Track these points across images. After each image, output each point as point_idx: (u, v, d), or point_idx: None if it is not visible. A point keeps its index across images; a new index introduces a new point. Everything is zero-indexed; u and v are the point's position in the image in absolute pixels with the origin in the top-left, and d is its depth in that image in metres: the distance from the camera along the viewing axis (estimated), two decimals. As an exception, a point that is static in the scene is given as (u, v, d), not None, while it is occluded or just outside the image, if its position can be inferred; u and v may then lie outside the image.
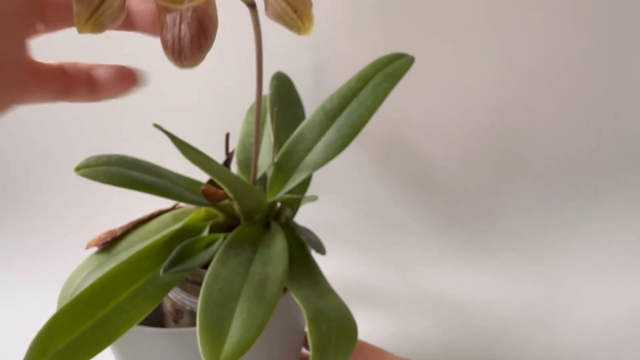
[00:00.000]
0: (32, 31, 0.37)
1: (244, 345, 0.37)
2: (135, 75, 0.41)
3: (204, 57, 0.30)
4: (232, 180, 0.45)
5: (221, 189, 0.48)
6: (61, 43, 0.89)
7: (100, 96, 0.41)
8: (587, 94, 0.81)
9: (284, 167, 0.51)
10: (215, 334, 0.37)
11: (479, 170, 0.83)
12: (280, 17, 0.31)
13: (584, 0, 0.76)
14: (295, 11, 0.30)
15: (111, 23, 0.31)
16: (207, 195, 0.47)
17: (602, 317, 0.67)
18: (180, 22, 0.29)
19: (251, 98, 0.58)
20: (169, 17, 0.29)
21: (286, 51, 0.79)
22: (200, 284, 0.45)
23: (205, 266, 0.44)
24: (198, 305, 0.39)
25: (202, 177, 0.48)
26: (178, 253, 0.43)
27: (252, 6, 0.39)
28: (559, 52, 0.79)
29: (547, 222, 0.81)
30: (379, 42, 0.79)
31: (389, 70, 0.51)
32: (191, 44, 0.29)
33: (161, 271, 0.42)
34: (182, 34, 0.28)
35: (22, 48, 0.35)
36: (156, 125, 0.43)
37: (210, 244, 0.46)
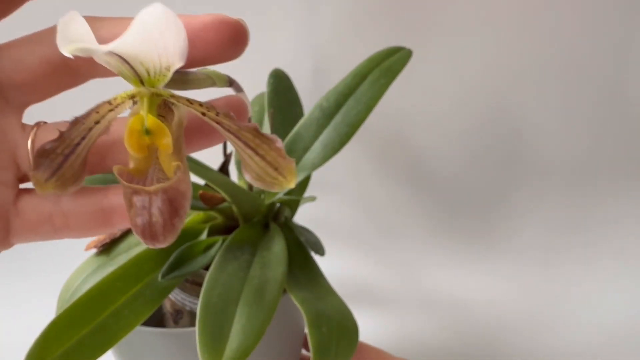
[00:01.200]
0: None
1: (244, 352, 0.37)
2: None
3: (177, 233, 0.27)
4: (227, 186, 0.45)
5: (218, 192, 0.48)
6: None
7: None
8: (590, 93, 0.80)
9: (282, 167, 0.50)
10: (214, 341, 0.37)
11: (479, 170, 0.83)
12: (260, 179, 0.28)
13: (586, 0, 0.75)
14: (276, 169, 0.27)
15: (73, 184, 0.28)
16: (205, 199, 0.47)
17: (604, 317, 0.67)
18: (150, 206, 0.26)
19: (250, 97, 0.57)
20: (137, 200, 0.26)
21: (284, 48, 0.79)
22: (200, 284, 0.44)
23: (206, 267, 0.44)
24: (197, 310, 0.39)
25: (201, 179, 0.48)
26: (176, 257, 0.43)
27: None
28: (562, 51, 0.78)
29: (549, 222, 0.81)
30: (378, 41, 0.78)
31: (386, 66, 0.50)
32: (164, 229, 0.26)
33: (160, 276, 0.42)
34: (154, 219, 0.26)
35: None
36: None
37: (208, 247, 0.46)
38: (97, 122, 0.27)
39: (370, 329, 0.66)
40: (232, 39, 0.26)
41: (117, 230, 0.52)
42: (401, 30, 0.79)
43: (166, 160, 0.27)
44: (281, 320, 0.46)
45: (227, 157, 0.55)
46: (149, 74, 0.24)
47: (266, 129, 0.55)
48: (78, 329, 0.39)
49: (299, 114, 0.58)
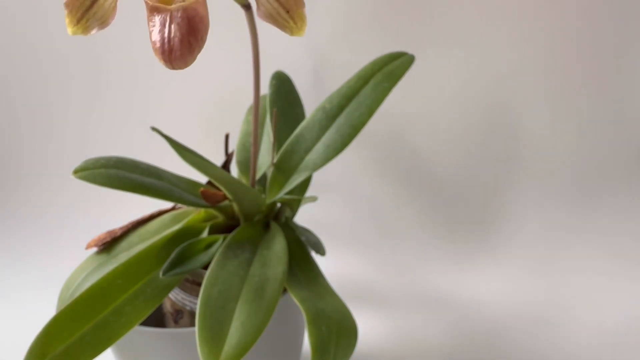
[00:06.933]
0: None
1: (243, 347, 0.37)
2: None
3: (194, 58, 0.29)
4: (230, 182, 0.45)
5: (220, 190, 0.48)
6: (62, 50, 0.89)
7: None
8: (589, 94, 0.80)
9: (284, 167, 0.51)
10: (214, 336, 0.37)
11: (479, 171, 0.83)
12: (272, 18, 0.30)
13: (586, 1, 0.75)
14: (288, 11, 0.30)
15: (101, 25, 0.31)
16: (206, 196, 0.47)
17: (603, 317, 0.67)
18: (170, 23, 0.28)
19: (250, 98, 0.57)
20: (158, 18, 0.29)
21: (286, 51, 0.79)
22: (200, 284, 0.44)
23: (206, 267, 0.44)
24: (197, 306, 0.39)
25: (202, 178, 0.48)
26: (177, 255, 0.43)
27: (247, 7, 0.39)
28: (561, 51, 0.79)
29: (548, 222, 0.81)
30: (379, 42, 0.79)
31: (389, 69, 0.51)
32: (181, 44, 0.28)
33: (161, 273, 0.42)
34: (172, 34, 0.28)
35: None
36: (154, 129, 0.43)
37: (209, 245, 0.46)
38: None
39: (369, 329, 0.66)
40: None
41: (117, 229, 0.52)
42: (400, 32, 0.79)
43: None
44: (282, 318, 0.46)
45: (228, 157, 0.55)
46: None
47: (269, 128, 0.56)
48: (79, 326, 0.40)
49: (300, 115, 0.58)
